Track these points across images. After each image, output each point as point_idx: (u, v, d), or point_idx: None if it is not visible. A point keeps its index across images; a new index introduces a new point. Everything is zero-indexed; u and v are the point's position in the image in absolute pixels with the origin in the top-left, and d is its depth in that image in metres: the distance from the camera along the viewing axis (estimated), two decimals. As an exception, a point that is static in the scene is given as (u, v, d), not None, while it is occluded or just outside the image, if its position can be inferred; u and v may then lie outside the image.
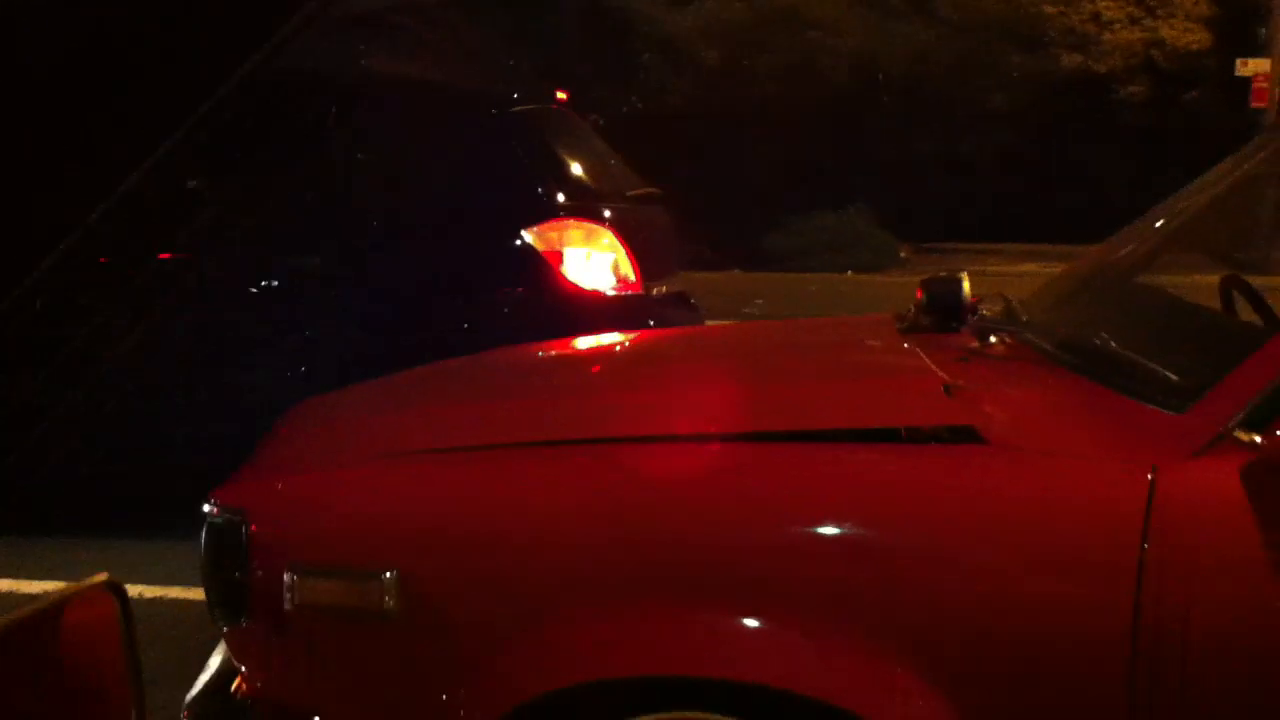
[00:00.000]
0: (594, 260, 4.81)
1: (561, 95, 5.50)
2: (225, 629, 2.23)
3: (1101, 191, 15.89)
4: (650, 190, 5.72)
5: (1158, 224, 3.02)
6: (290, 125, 5.07)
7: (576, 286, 4.74)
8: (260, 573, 2.10)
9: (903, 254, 16.65)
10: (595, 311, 4.68)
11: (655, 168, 6.50)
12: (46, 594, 0.77)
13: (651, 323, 4.90)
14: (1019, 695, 1.92)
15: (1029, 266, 12.78)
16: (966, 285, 2.89)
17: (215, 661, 2.34)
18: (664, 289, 5.36)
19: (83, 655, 0.79)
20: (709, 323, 5.85)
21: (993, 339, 2.56)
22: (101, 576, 0.80)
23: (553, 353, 3.20)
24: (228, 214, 5.01)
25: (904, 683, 1.91)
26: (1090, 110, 18.38)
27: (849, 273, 14.47)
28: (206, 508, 2.19)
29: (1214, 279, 2.97)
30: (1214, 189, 2.89)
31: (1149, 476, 1.88)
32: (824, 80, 18.42)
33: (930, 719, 1.90)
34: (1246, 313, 2.89)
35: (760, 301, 10.06)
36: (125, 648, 0.82)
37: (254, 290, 5.01)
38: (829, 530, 1.99)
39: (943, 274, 2.93)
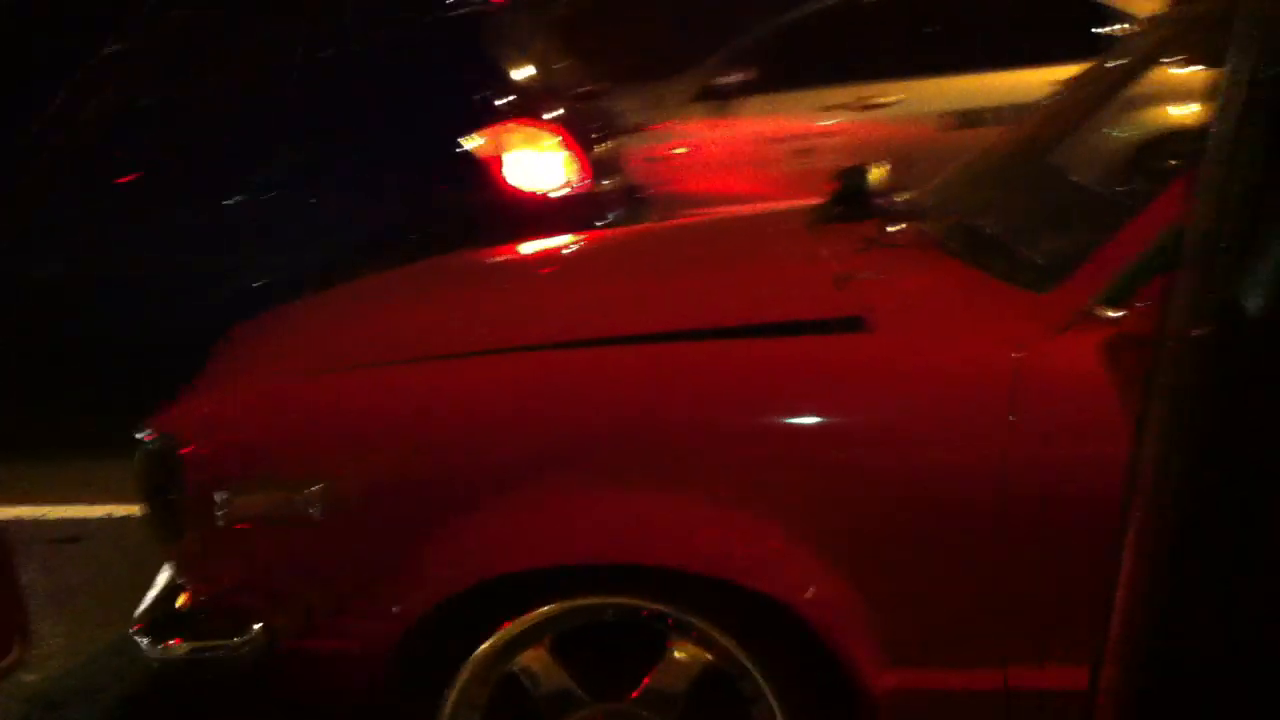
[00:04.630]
0: (539, 162, 4.86)
1: None
2: (167, 547, 2.37)
3: None
4: (602, 86, 5.76)
5: (1070, 104, 3.12)
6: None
7: (516, 189, 4.80)
8: (194, 493, 2.23)
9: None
10: (540, 213, 4.75)
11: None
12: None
13: (611, 217, 5.01)
14: (907, 558, 2.07)
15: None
16: (874, 174, 3.00)
17: (163, 577, 2.48)
18: (617, 181, 5.43)
19: None
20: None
21: (892, 228, 2.67)
22: None
23: (480, 261, 3.30)
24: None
25: (805, 561, 2.05)
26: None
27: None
28: (139, 435, 2.31)
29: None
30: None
31: (1014, 355, 2.01)
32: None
33: (826, 589, 2.05)
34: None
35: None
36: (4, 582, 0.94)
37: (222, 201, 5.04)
38: (728, 419, 2.13)
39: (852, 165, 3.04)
